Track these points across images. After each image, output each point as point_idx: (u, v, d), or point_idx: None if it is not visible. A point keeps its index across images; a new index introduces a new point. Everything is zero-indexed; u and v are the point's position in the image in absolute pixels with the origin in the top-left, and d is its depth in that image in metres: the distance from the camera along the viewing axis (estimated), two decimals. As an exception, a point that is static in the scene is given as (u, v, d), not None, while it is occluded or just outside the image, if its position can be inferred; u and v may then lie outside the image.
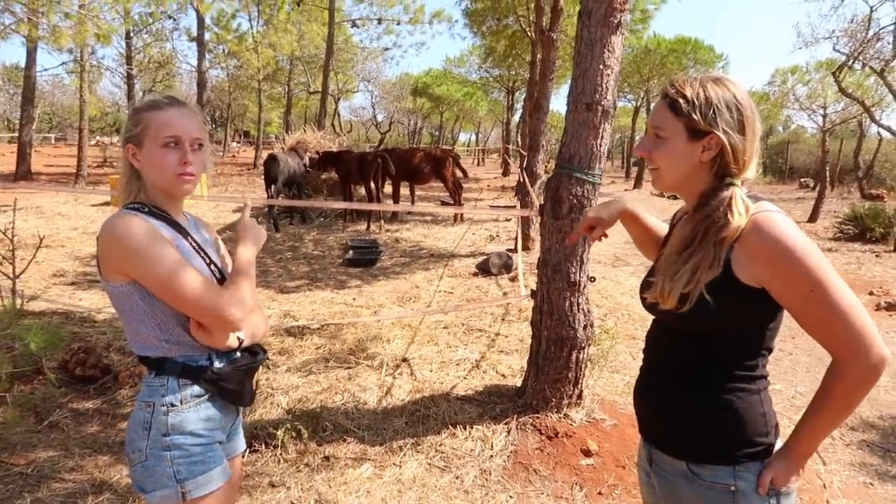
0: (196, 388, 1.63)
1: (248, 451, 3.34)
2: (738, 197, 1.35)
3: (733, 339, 1.40)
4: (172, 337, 1.59)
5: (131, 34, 22.57)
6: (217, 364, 1.65)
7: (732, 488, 1.39)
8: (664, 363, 1.54)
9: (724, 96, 1.38)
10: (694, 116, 1.37)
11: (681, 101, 1.39)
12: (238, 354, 1.71)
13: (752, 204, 1.35)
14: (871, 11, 12.74)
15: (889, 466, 3.64)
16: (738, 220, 1.32)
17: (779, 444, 1.44)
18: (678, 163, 1.43)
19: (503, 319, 5.94)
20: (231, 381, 1.67)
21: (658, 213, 16.87)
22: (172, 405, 1.59)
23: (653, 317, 1.60)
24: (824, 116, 20.06)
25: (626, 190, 25.39)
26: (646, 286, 1.55)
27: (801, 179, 27.23)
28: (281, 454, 3.36)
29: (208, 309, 1.55)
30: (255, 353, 1.76)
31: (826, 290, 1.25)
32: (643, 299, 1.58)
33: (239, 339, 1.69)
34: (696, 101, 1.37)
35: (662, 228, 1.82)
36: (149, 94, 27.34)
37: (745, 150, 1.39)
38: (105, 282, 1.59)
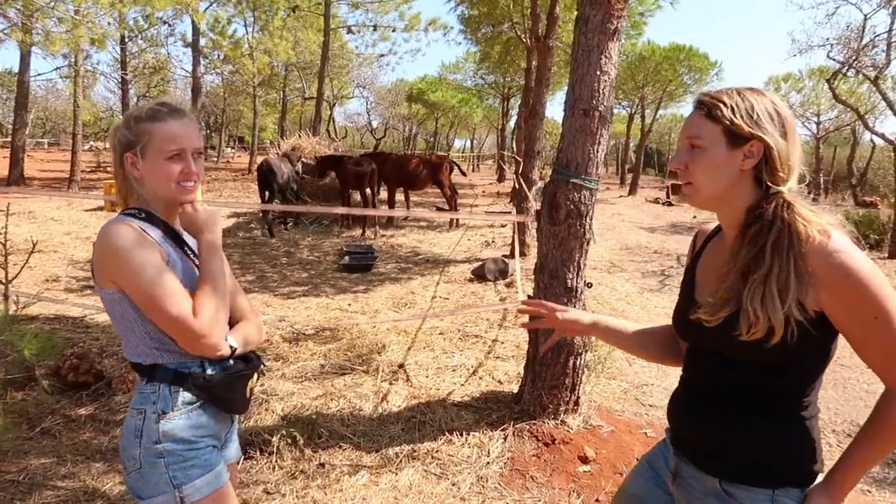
0: (187, 395, 1.61)
1: (243, 458, 3.31)
2: (795, 204, 1.29)
3: (793, 366, 1.34)
4: (163, 344, 1.58)
5: (126, 39, 22.54)
6: (209, 371, 1.64)
7: None
8: (711, 388, 1.46)
9: (763, 102, 1.33)
10: (735, 120, 1.31)
11: (721, 105, 1.33)
12: (231, 361, 1.69)
13: (815, 216, 1.28)
14: (865, 19, 12.87)
15: (886, 473, 3.64)
16: (808, 229, 1.25)
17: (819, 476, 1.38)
18: (719, 173, 1.34)
19: (499, 325, 5.92)
20: (223, 388, 1.65)
21: (653, 219, 16.96)
22: (164, 412, 1.58)
23: (692, 344, 1.52)
24: (818, 124, 20.21)
25: (620, 196, 25.47)
26: (684, 316, 1.46)
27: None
28: (276, 461, 3.33)
29: (181, 331, 1.53)
30: (248, 360, 1.74)
31: (891, 318, 1.21)
32: (684, 329, 1.50)
33: (231, 346, 1.67)
34: (737, 107, 1.32)
35: (629, 325, 1.77)
36: (143, 99, 27.33)
37: (790, 155, 1.33)
38: (98, 287, 1.59)
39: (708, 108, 1.35)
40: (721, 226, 1.51)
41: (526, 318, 1.94)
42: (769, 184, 1.32)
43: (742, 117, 1.31)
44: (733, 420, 1.39)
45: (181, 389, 1.60)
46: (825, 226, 1.26)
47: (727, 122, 1.32)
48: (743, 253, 1.32)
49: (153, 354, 1.59)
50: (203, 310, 1.53)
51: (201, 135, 1.71)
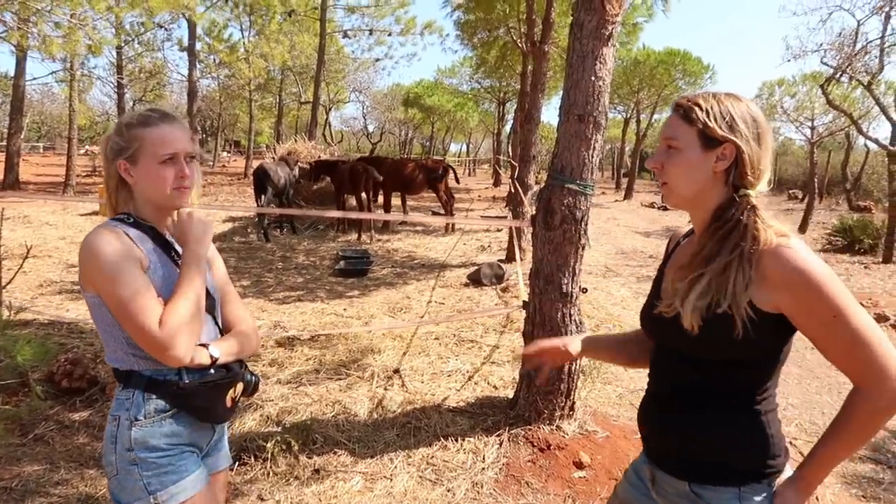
0: (160, 403, 1.60)
1: (236, 464, 3.30)
2: (759, 207, 1.34)
3: (746, 367, 1.38)
4: (139, 350, 1.56)
5: (122, 43, 22.51)
6: (185, 379, 1.62)
7: None
8: (670, 387, 1.50)
9: (739, 108, 1.36)
10: (709, 124, 1.35)
11: (696, 108, 1.37)
12: (212, 371, 1.66)
13: (773, 222, 1.33)
14: (859, 25, 12.93)
15: (881, 478, 3.64)
16: (766, 233, 1.30)
17: (788, 469, 1.41)
18: (691, 174, 1.39)
19: (495, 330, 5.92)
20: (198, 397, 1.63)
21: (648, 223, 16.98)
22: (136, 419, 1.57)
23: (654, 340, 1.57)
24: (812, 128, 20.28)
25: (616, 201, 25.52)
26: (649, 311, 1.52)
27: (790, 191, 27.49)
28: (270, 467, 3.32)
29: (145, 342, 1.52)
30: (229, 370, 1.71)
31: (848, 317, 1.24)
32: (648, 323, 1.55)
33: (212, 356, 1.64)
34: (711, 110, 1.36)
35: (620, 337, 1.82)
36: (139, 103, 27.27)
37: (762, 160, 1.37)
38: (82, 291, 1.60)
39: (685, 110, 1.39)
40: (693, 227, 1.56)
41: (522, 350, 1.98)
42: (738, 186, 1.37)
43: (716, 120, 1.35)
44: (691, 419, 1.43)
45: (154, 397, 1.59)
46: (784, 230, 1.31)
47: (701, 125, 1.36)
48: (703, 249, 1.38)
49: (129, 360, 1.59)
50: (169, 321, 1.50)
51: (193, 139, 1.71)
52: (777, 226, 1.33)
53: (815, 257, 1.28)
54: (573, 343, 1.78)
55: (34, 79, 23.99)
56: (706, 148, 1.37)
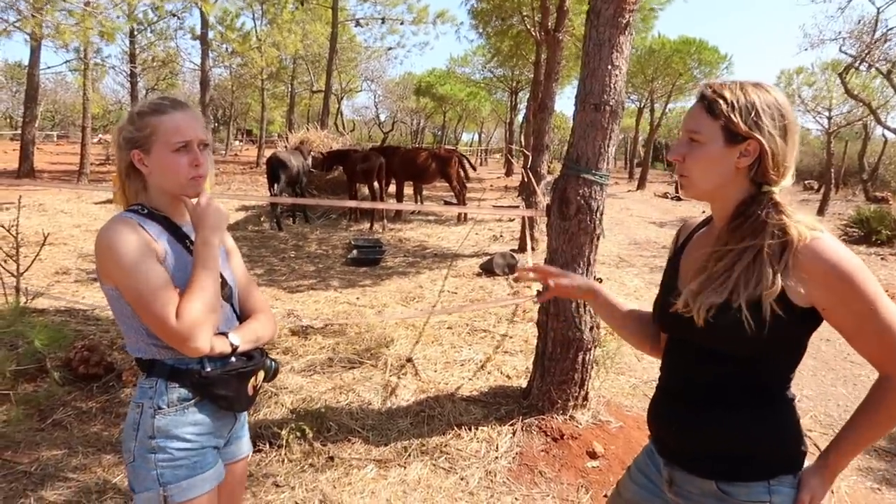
0: (183, 392, 1.61)
1: (252, 450, 3.32)
2: (783, 204, 1.31)
3: (773, 359, 1.36)
4: (160, 340, 1.57)
5: (135, 32, 22.57)
6: (207, 368, 1.62)
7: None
8: (687, 384, 1.46)
9: (766, 99, 1.31)
10: (734, 118, 1.30)
11: (720, 101, 1.32)
12: (233, 359, 1.67)
13: (801, 216, 1.30)
14: (878, 13, 12.71)
15: (897, 471, 3.62)
16: (797, 228, 1.27)
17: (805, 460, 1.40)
18: (713, 169, 1.35)
19: (508, 320, 5.92)
20: (221, 385, 1.63)
21: (661, 214, 16.88)
22: (159, 408, 1.58)
23: (671, 335, 1.53)
24: (829, 118, 20.05)
25: (629, 191, 25.38)
26: (665, 306, 1.47)
27: (805, 181, 27.20)
28: (285, 454, 3.34)
29: (164, 333, 1.53)
30: (251, 357, 1.72)
31: (881, 308, 1.23)
32: (663, 319, 1.51)
33: (233, 344, 1.65)
34: (737, 104, 1.31)
35: (624, 305, 1.74)
36: (152, 92, 27.36)
37: (787, 156, 1.33)
38: (101, 283, 1.60)
39: (709, 102, 1.35)
40: (710, 218, 1.53)
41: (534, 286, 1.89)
42: (760, 182, 1.34)
43: (741, 115, 1.30)
44: (715, 415, 1.41)
45: (177, 385, 1.60)
46: (814, 224, 1.29)
47: (725, 119, 1.32)
48: (724, 245, 1.35)
49: (151, 350, 1.60)
50: (186, 312, 1.50)
51: (206, 127, 1.70)
52: (806, 220, 1.30)
53: (847, 250, 1.26)
54: (582, 282, 1.72)
55: (48, 67, 24.12)
56: (729, 143, 1.33)
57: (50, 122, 45.05)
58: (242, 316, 1.80)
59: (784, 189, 1.35)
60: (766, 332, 1.27)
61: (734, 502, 1.37)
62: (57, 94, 40.54)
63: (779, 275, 1.26)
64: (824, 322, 1.31)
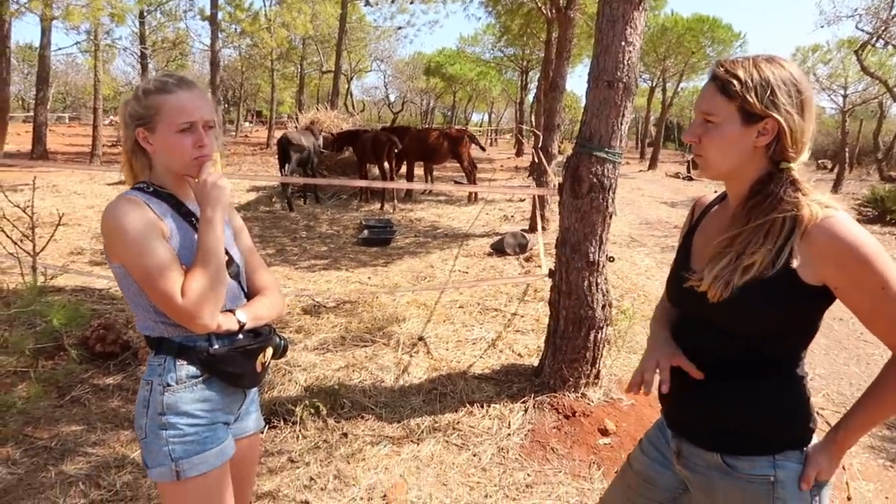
0: (192, 369, 1.62)
1: (267, 427, 3.37)
2: (801, 181, 1.30)
3: (783, 338, 1.36)
4: (167, 318, 1.58)
5: (145, 13, 22.52)
6: (215, 345, 1.63)
7: (772, 479, 1.36)
8: (699, 358, 1.45)
9: (781, 75, 1.29)
10: (749, 98, 1.28)
11: (734, 82, 1.30)
12: (240, 336, 1.68)
13: (818, 195, 1.29)
14: (896, -12, 12.45)
15: (909, 449, 3.62)
16: (811, 207, 1.26)
17: (813, 437, 1.41)
18: (731, 150, 1.33)
19: (519, 300, 5.93)
20: (228, 362, 1.64)
21: (673, 193, 16.79)
22: (168, 385, 1.59)
23: (683, 311, 1.52)
24: (845, 97, 19.78)
25: (640, 171, 25.22)
26: (678, 281, 1.47)
27: (819, 161, 26.91)
28: (300, 431, 3.38)
29: (171, 311, 1.54)
30: (258, 335, 1.72)
31: (894, 289, 1.22)
32: (676, 296, 1.51)
33: (240, 321, 1.66)
34: (751, 82, 1.28)
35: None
36: (163, 71, 27.27)
37: (805, 132, 1.31)
38: (108, 262, 1.61)
39: (722, 82, 1.32)
40: (724, 194, 1.52)
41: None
42: (778, 160, 1.32)
43: (756, 94, 1.28)
44: (723, 390, 1.41)
45: (185, 363, 1.61)
46: (829, 202, 1.28)
47: (741, 100, 1.29)
48: (740, 223, 1.34)
49: (158, 328, 1.61)
50: (191, 289, 1.51)
51: (213, 107, 1.68)
52: (822, 198, 1.28)
53: (862, 229, 1.25)
54: (668, 347, 1.52)
55: (59, 49, 24.13)
56: (746, 123, 1.31)
57: (62, 104, 45.18)
58: (251, 294, 1.81)
59: (802, 166, 1.34)
60: (777, 310, 1.28)
61: (738, 475, 1.39)
62: (68, 75, 40.62)
63: (786, 252, 1.26)
64: (837, 301, 1.31)
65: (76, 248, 7.75)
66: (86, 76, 36.25)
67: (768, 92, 1.28)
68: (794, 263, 1.26)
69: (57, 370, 3.90)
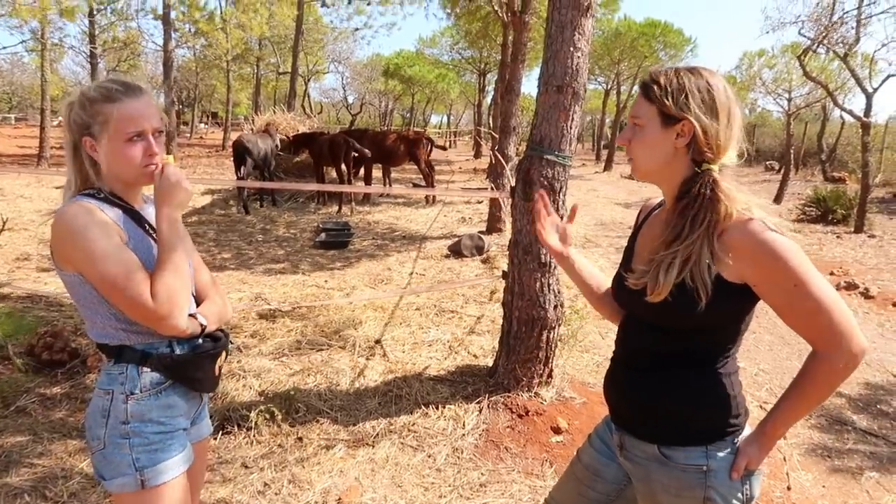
0: (156, 376, 1.60)
1: (221, 433, 3.35)
2: (721, 182, 1.38)
3: (710, 333, 1.44)
4: (130, 325, 1.56)
5: (94, 12, 21.92)
6: (177, 350, 1.63)
7: (704, 468, 1.44)
8: (636, 355, 1.57)
9: (696, 83, 1.40)
10: (666, 101, 1.39)
11: (654, 87, 1.41)
12: (200, 340, 1.68)
13: (737, 195, 1.36)
14: (836, -3, 12.93)
15: (844, 440, 3.79)
16: (729, 207, 1.34)
17: (747, 428, 1.50)
18: (653, 150, 1.45)
19: (476, 301, 5.98)
20: (192, 368, 1.64)
21: (627, 195, 17.07)
22: (132, 393, 1.57)
23: (623, 309, 1.62)
24: (789, 100, 20.43)
25: (596, 172, 25.60)
26: (620, 281, 1.56)
27: (767, 162, 27.72)
28: (254, 436, 3.37)
29: (141, 315, 1.51)
30: (216, 339, 1.73)
31: (809, 285, 1.29)
32: (618, 294, 1.60)
33: (202, 324, 1.65)
34: (669, 88, 1.39)
35: (595, 274, 1.85)
36: (113, 73, 26.63)
37: (719, 134, 1.39)
38: (58, 270, 1.56)
39: (646, 87, 1.44)
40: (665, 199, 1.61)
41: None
42: (700, 160, 1.41)
43: (671, 98, 1.39)
44: (658, 384, 1.50)
45: (149, 370, 1.59)
46: (746, 204, 1.36)
47: (659, 103, 1.41)
48: (671, 224, 1.43)
49: (119, 336, 1.58)
50: (160, 291, 1.49)
51: (160, 112, 1.65)
52: (741, 198, 1.37)
53: (775, 230, 1.33)
54: (563, 247, 1.87)
55: (3, 48, 23.26)
56: (665, 125, 1.42)
57: (7, 105, 43.65)
58: (196, 295, 1.80)
59: (726, 167, 1.42)
60: (702, 308, 1.35)
61: (674, 465, 1.47)
62: (13, 75, 39.23)
63: (707, 251, 1.34)
64: None
65: (23, 254, 7.53)
66: (32, 76, 35.10)
67: (682, 96, 1.38)
68: (715, 262, 1.34)
69: (1, 380, 3.80)
